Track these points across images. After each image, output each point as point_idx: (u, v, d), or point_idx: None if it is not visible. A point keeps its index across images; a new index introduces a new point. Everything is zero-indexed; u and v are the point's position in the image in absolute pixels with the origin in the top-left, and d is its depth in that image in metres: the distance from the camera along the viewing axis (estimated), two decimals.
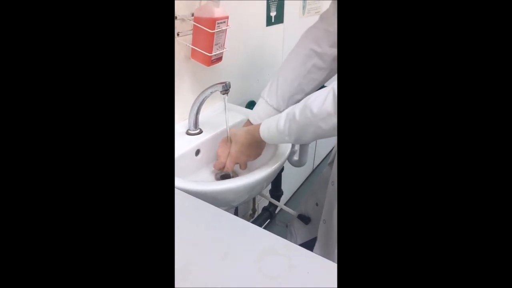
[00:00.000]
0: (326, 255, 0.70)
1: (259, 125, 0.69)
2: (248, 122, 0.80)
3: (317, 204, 0.85)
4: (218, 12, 0.75)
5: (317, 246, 0.76)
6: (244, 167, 0.77)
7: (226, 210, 0.52)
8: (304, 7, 1.30)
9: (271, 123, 0.65)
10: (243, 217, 1.30)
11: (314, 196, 0.86)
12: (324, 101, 0.53)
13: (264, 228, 0.48)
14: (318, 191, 0.84)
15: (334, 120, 0.53)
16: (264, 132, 0.67)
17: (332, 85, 0.53)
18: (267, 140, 0.68)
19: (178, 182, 0.64)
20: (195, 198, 0.55)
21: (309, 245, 0.50)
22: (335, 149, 0.74)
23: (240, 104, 1.07)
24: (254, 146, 0.73)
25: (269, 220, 1.31)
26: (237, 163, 0.76)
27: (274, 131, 0.64)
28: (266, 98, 0.78)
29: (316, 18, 0.78)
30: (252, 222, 0.49)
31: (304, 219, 0.88)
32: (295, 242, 0.46)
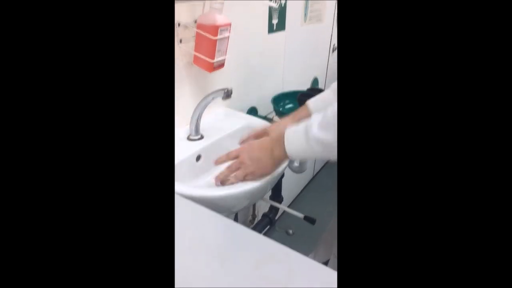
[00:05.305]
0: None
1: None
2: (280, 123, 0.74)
3: None
4: (220, 19, 0.75)
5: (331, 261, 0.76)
6: (241, 178, 0.65)
7: (226, 216, 0.52)
8: (306, 15, 1.31)
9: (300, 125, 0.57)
10: (243, 223, 1.30)
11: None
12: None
13: (264, 234, 0.47)
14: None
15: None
16: (290, 131, 0.58)
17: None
18: (287, 143, 0.58)
19: (179, 187, 0.64)
20: (195, 203, 0.55)
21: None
22: None
23: (241, 111, 1.08)
24: (265, 157, 0.63)
25: (269, 226, 1.30)
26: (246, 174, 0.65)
27: (302, 127, 0.56)
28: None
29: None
30: (252, 229, 0.49)
31: (310, 220, 0.88)
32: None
